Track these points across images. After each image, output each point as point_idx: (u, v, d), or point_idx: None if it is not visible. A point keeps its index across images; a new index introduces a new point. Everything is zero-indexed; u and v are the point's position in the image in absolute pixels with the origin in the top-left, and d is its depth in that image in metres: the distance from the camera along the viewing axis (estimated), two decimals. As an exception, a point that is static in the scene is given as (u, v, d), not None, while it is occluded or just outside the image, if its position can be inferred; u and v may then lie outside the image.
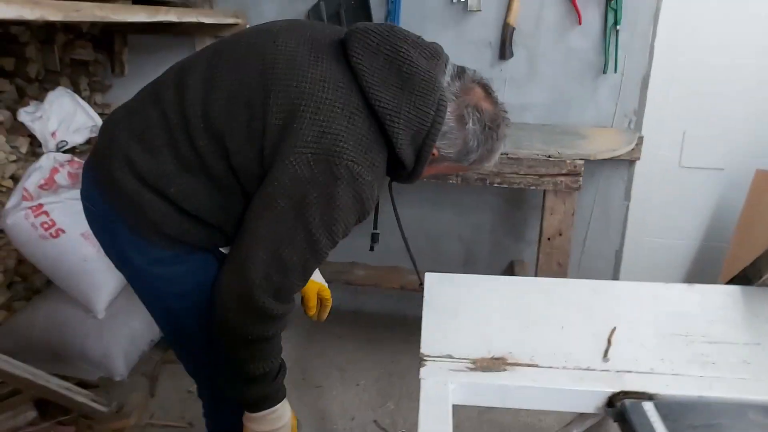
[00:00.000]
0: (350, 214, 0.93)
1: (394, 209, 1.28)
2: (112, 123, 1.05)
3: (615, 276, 2.26)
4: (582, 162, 1.66)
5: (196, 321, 1.05)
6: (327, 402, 1.93)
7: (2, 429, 1.46)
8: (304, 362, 2.12)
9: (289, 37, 0.98)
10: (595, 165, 2.10)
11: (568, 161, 1.66)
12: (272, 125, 0.91)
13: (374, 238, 1.31)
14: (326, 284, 1.29)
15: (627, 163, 2.11)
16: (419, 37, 1.00)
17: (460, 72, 1.00)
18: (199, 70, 0.99)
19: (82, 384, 1.70)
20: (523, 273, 2.19)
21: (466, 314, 0.92)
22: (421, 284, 1.17)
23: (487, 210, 2.29)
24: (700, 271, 2.23)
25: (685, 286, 0.98)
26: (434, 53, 0.98)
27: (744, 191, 1.99)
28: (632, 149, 2.00)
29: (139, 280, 1.07)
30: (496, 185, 1.74)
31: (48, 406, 1.62)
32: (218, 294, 0.95)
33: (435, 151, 1.00)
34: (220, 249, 1.07)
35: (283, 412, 1.05)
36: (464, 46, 2.10)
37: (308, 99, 0.91)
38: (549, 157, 1.67)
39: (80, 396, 1.54)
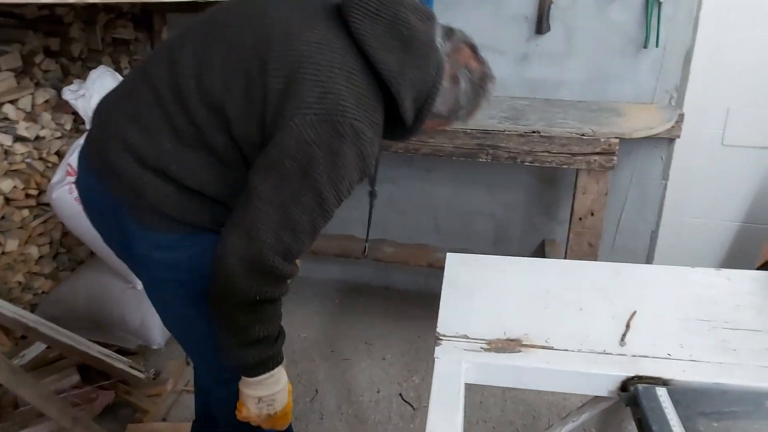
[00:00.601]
0: (354, 172, 0.96)
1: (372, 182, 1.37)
2: (104, 108, 1.06)
3: (650, 257, 2.20)
4: (617, 140, 1.61)
5: (198, 311, 1.06)
6: (354, 374, 1.97)
7: (48, 390, 1.55)
8: (333, 336, 2.16)
9: (280, 4, 0.99)
10: (632, 143, 2.04)
11: (602, 139, 1.62)
12: (273, 90, 0.93)
13: (373, 194, 1.36)
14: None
15: (666, 141, 2.04)
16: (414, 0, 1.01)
17: (449, 32, 1.02)
18: (189, 45, 1.00)
19: (122, 351, 1.79)
20: (554, 253, 2.17)
21: (484, 295, 0.92)
22: (365, 253, 1.16)
23: (520, 189, 2.26)
24: (738, 253, 2.16)
25: (713, 270, 0.95)
26: (428, 15, 1.00)
27: (791, 171, 1.90)
28: (672, 127, 1.94)
29: (142, 267, 1.08)
30: (527, 164, 1.71)
31: (90, 371, 1.71)
32: (223, 258, 0.94)
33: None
34: None
35: (281, 376, 1.06)
36: (501, 20, 2.05)
37: (307, 61, 0.92)
38: (582, 135, 1.63)
39: (119, 363, 1.63)
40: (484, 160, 1.73)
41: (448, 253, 1.04)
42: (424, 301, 2.41)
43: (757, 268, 1.00)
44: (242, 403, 1.06)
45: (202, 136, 0.97)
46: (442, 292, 0.95)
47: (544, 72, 2.07)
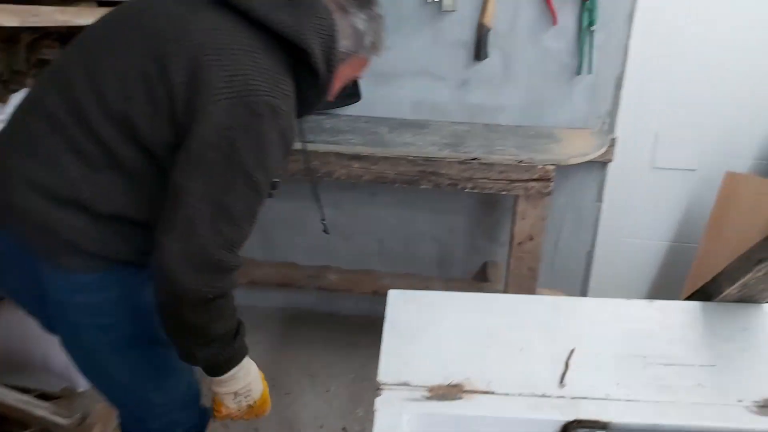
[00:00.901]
0: (278, 149, 0.96)
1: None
2: None
3: (586, 276, 2.27)
4: (553, 167, 1.65)
5: (122, 356, 1.02)
6: (296, 409, 1.92)
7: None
8: (274, 368, 2.10)
9: (158, 3, 0.98)
10: (568, 167, 2.10)
11: (539, 167, 1.65)
12: (177, 85, 0.90)
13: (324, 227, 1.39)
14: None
15: (600, 164, 2.11)
16: None
17: None
18: (77, 63, 0.96)
19: (44, 396, 1.66)
20: (496, 274, 2.19)
21: (427, 337, 0.90)
22: (325, 231, 1.23)
23: (462, 212, 2.28)
24: (670, 271, 2.25)
25: (645, 302, 0.97)
26: None
27: (715, 191, 2.00)
28: (605, 151, 2.00)
29: (61, 317, 1.02)
30: (468, 190, 1.73)
31: (5, 422, 1.58)
32: (164, 265, 0.90)
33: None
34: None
35: (249, 364, 1.06)
36: (439, 47, 2.07)
37: (207, 49, 0.91)
38: (520, 162, 1.66)
39: (40, 409, 1.51)
40: (426, 187, 1.73)
41: (389, 291, 1.01)
42: (369, 328, 2.35)
43: (685, 298, 1.03)
44: (219, 403, 1.05)
45: (110, 155, 0.93)
46: (384, 335, 0.92)
47: (483, 98, 2.10)
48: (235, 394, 1.05)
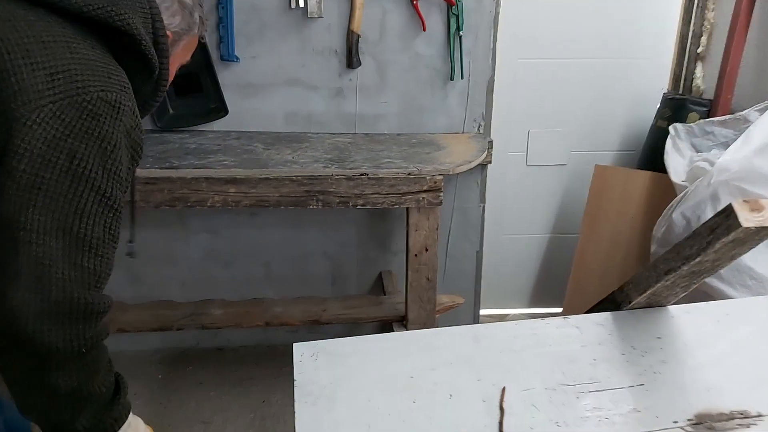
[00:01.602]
0: (126, 153, 0.83)
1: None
2: None
3: (478, 276, 2.29)
4: (441, 177, 1.61)
5: None
6: (193, 468, 1.71)
7: None
8: (160, 419, 1.85)
9: None
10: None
11: (428, 177, 1.61)
12: None
13: (130, 249, 1.17)
14: None
15: (480, 167, 2.13)
16: None
17: None
18: None
19: None
20: (392, 284, 2.14)
21: (344, 395, 0.80)
22: (130, 254, 1.13)
23: (352, 224, 2.19)
24: (554, 259, 2.35)
25: (560, 320, 0.95)
26: None
27: (586, 183, 2.11)
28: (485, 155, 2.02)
29: None
30: (359, 207, 1.63)
31: None
32: (16, 325, 0.74)
33: (168, 33, 0.95)
34: None
35: (137, 423, 0.94)
36: (309, 55, 1.95)
37: (7, 44, 0.75)
38: (409, 174, 1.60)
39: None
40: (315, 207, 1.61)
41: (294, 345, 0.89)
42: (263, 358, 2.20)
43: (593, 307, 1.02)
44: None
45: None
46: (295, 402, 0.80)
47: (361, 106, 2.02)
48: None
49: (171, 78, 1.01)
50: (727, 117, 1.78)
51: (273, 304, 1.90)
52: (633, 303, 0.96)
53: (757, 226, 0.71)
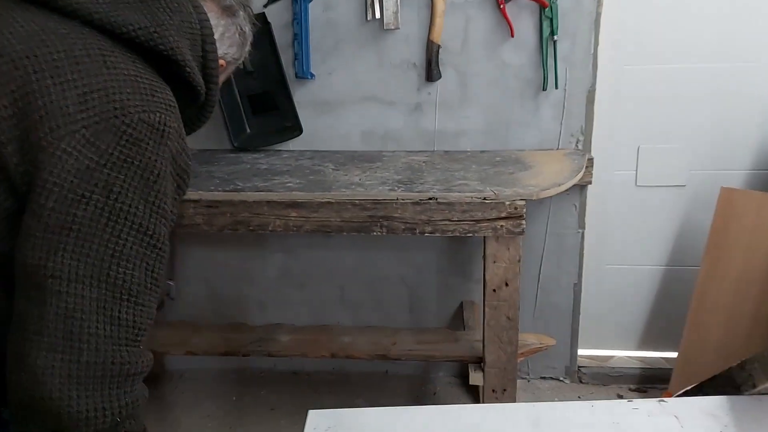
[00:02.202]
0: (171, 182, 0.73)
1: None
2: None
3: (575, 312, 2.02)
4: (523, 203, 1.41)
5: None
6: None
7: None
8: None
9: None
10: (543, 192, 1.87)
11: (506, 203, 1.41)
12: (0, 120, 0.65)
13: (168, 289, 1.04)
14: None
15: (578, 187, 1.87)
16: None
17: None
18: None
19: None
20: (473, 317, 1.94)
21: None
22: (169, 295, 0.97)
23: (430, 248, 2.03)
24: (667, 298, 2.01)
25: (654, 404, 0.72)
26: None
27: (710, 208, 1.77)
28: (582, 174, 1.77)
29: None
30: (427, 234, 1.47)
31: None
32: (40, 392, 0.64)
33: (222, 60, 0.91)
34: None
35: None
36: (387, 68, 1.84)
37: (37, 61, 0.67)
38: (485, 199, 1.41)
39: None
40: (379, 233, 1.48)
41: (309, 413, 0.75)
42: (336, 385, 2.11)
43: (704, 383, 0.78)
44: None
45: None
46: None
47: (441, 122, 1.87)
48: None
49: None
50: None
51: (342, 333, 1.79)
52: (759, 388, 0.71)
53: None
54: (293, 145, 1.93)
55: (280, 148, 1.93)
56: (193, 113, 0.90)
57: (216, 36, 0.87)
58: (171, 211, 0.74)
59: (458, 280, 2.06)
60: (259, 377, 2.15)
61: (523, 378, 2.12)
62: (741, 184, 1.86)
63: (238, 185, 1.53)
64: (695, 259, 1.83)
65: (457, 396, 2.04)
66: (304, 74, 1.81)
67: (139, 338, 0.71)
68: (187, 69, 0.79)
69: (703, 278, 1.75)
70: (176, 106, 0.77)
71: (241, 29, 0.95)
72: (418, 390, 2.10)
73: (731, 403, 0.71)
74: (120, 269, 0.68)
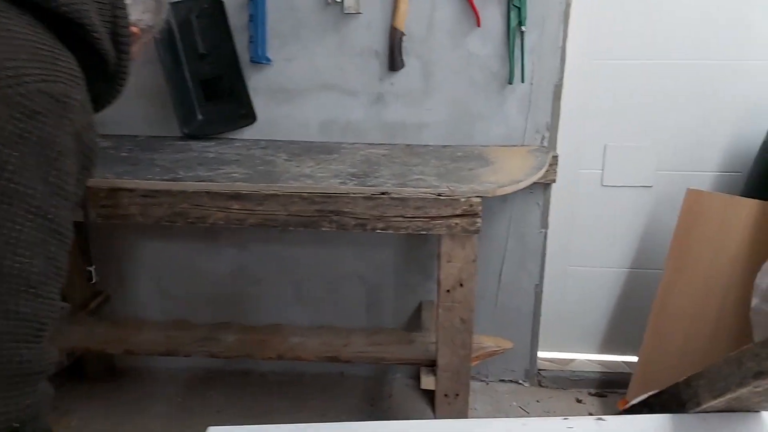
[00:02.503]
0: (76, 162, 0.66)
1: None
2: None
3: (536, 313, 1.96)
4: (479, 200, 1.33)
5: None
6: None
7: None
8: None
9: None
10: (506, 190, 1.80)
11: (462, 199, 1.34)
12: None
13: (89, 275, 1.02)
14: None
15: (542, 186, 1.81)
16: None
17: None
18: None
19: None
20: (432, 317, 1.87)
21: None
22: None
23: (390, 245, 1.95)
24: (630, 301, 1.97)
25: (592, 423, 0.65)
26: None
27: (677, 210, 1.72)
28: (546, 171, 1.71)
29: None
30: (379, 231, 1.39)
31: None
32: None
33: (134, 28, 0.83)
34: None
35: None
36: (348, 56, 1.75)
37: None
38: (439, 195, 1.34)
39: None
40: (329, 229, 1.39)
41: (209, 429, 0.66)
42: (289, 387, 2.02)
43: (648, 398, 0.71)
44: None
45: None
46: None
47: (403, 114, 1.78)
48: None
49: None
50: None
51: (293, 333, 1.70)
52: (704, 406, 0.65)
53: None
54: (248, 133, 1.83)
55: (233, 137, 1.83)
56: (103, 87, 0.81)
57: (127, 0, 0.79)
58: (74, 192, 0.67)
59: (418, 279, 1.99)
60: (208, 377, 2.06)
61: (481, 380, 2.06)
62: (709, 186, 1.82)
63: (179, 174, 1.43)
64: (660, 262, 1.78)
65: (413, 399, 1.97)
66: (259, 59, 1.72)
67: (41, 334, 0.64)
68: (94, 34, 0.71)
69: (666, 282, 1.71)
70: (82, 77, 0.70)
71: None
72: (373, 392, 2.02)
73: (673, 424, 0.65)
74: (17, 258, 0.60)
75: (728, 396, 0.59)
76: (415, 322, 1.98)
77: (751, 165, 1.68)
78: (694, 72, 1.74)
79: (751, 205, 1.56)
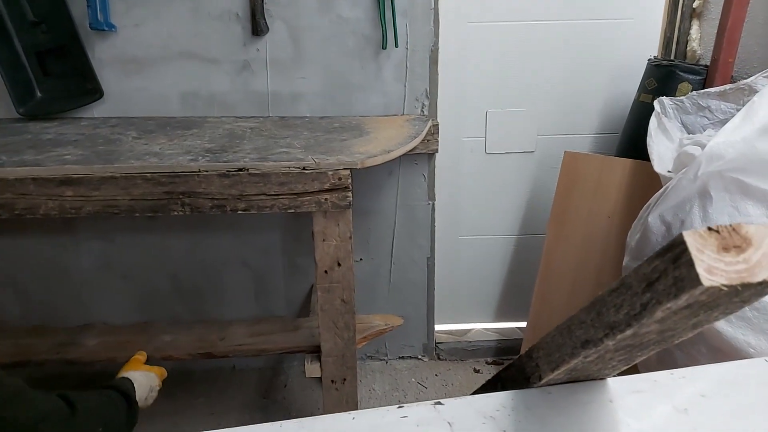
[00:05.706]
0: None
1: None
2: None
3: (430, 286, 1.91)
4: (347, 172, 1.23)
5: None
6: None
7: None
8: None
9: None
10: (392, 164, 1.72)
11: (329, 172, 1.23)
12: None
13: None
14: None
15: (426, 156, 1.75)
16: None
17: None
18: None
19: None
20: (324, 300, 1.76)
21: None
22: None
23: (273, 226, 1.82)
24: (521, 266, 1.97)
25: (428, 408, 0.58)
26: None
27: (557, 174, 1.72)
28: (426, 140, 1.65)
29: None
30: (241, 212, 1.26)
31: None
32: None
33: None
34: None
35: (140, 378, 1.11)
36: (205, 20, 1.58)
37: None
38: (304, 169, 1.23)
39: None
40: (180, 213, 1.24)
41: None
42: (173, 386, 1.85)
43: (496, 377, 0.65)
44: None
45: None
46: None
47: (274, 84, 1.65)
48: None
49: None
50: (727, 87, 1.37)
51: (163, 330, 1.54)
52: (546, 380, 0.58)
53: (733, 283, 0.34)
54: (99, 111, 1.63)
55: (80, 115, 1.62)
56: None
57: None
58: None
59: (309, 261, 1.87)
60: (59, 381, 1.85)
61: (381, 360, 2.00)
62: (588, 149, 1.83)
63: (1, 159, 1.23)
64: (545, 227, 1.78)
65: (310, 387, 1.88)
66: (100, 25, 1.51)
67: None
68: None
69: (548, 245, 1.70)
70: None
71: None
72: (268, 383, 1.91)
73: (516, 401, 0.59)
74: None
75: (564, 367, 0.54)
76: (308, 307, 1.87)
77: (623, 125, 1.70)
78: (570, 31, 1.72)
79: (624, 164, 1.57)
